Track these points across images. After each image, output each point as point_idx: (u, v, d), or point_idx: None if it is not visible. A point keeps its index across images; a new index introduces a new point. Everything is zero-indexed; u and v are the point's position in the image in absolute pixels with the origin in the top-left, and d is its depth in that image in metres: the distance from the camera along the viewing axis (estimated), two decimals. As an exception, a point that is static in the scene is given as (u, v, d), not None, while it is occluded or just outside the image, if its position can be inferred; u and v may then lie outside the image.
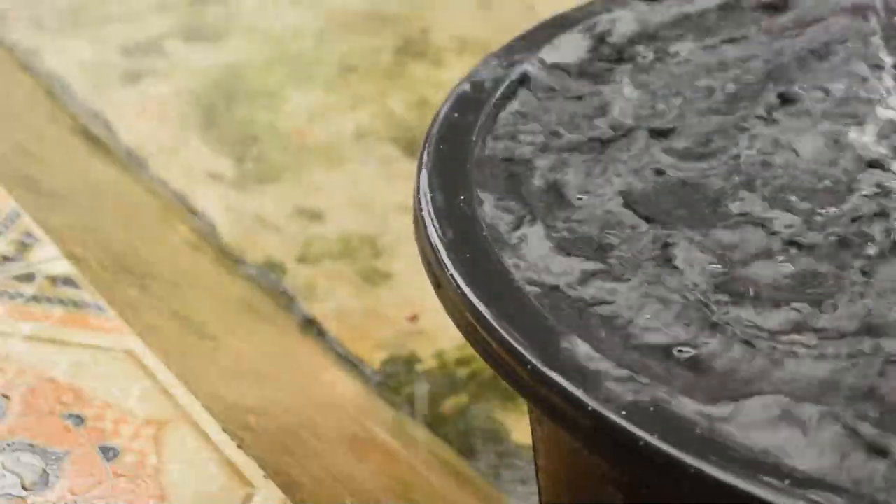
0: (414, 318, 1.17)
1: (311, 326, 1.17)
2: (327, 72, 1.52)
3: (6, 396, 0.86)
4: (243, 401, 0.92)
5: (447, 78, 1.37)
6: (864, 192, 0.64)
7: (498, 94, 0.73)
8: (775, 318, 0.56)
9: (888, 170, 0.65)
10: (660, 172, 0.66)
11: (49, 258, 0.99)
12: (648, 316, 0.57)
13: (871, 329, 0.56)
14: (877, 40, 0.76)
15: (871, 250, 0.60)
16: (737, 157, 0.67)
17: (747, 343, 0.55)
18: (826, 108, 0.71)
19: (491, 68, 0.75)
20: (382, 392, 1.10)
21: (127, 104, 1.47)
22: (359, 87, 1.49)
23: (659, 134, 0.70)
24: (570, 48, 0.77)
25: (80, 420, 0.84)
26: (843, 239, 0.61)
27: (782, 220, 0.62)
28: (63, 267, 0.98)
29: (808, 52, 0.76)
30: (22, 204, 1.06)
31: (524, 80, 0.74)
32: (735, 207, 0.63)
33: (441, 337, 1.13)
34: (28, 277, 0.97)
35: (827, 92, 0.72)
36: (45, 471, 0.80)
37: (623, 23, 0.79)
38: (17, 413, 0.85)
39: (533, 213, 0.64)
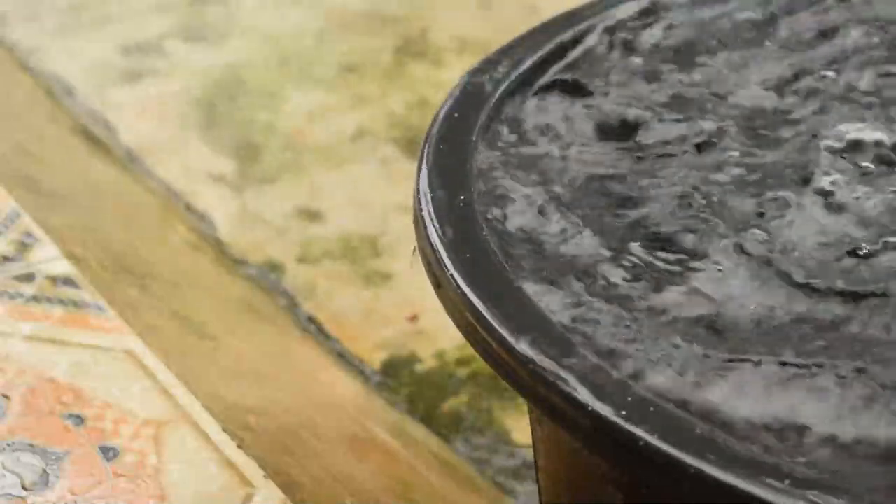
0: (414, 318, 1.17)
1: (311, 326, 1.17)
2: (327, 72, 1.52)
3: (6, 396, 0.86)
4: (243, 401, 0.92)
5: (447, 78, 1.37)
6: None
7: (498, 94, 0.73)
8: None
9: None
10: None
11: (49, 258, 0.99)
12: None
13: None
14: None
15: None
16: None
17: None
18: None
19: (491, 68, 0.75)
20: (382, 392, 1.10)
21: (127, 104, 1.47)
22: (359, 87, 1.49)
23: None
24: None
25: (80, 420, 0.84)
26: None
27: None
28: (63, 267, 0.98)
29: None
30: (22, 204, 1.06)
31: (525, 80, 0.74)
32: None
33: (441, 337, 1.13)
34: (28, 277, 0.97)
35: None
36: (45, 471, 0.80)
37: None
38: (17, 413, 0.85)
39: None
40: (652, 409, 0.52)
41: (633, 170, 0.67)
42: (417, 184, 0.66)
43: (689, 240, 0.61)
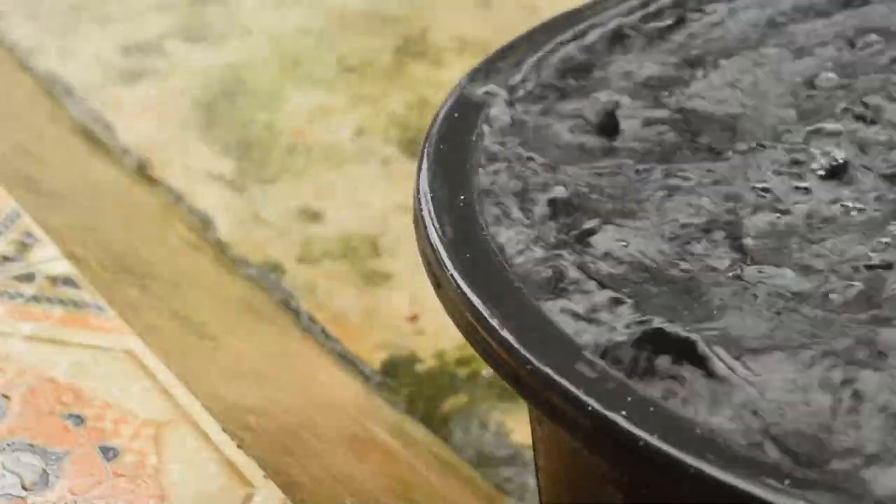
0: (414, 318, 1.17)
1: (311, 326, 1.17)
2: (327, 72, 1.52)
3: (6, 396, 0.86)
4: (243, 401, 0.92)
5: (447, 78, 1.37)
6: None
7: (499, 93, 0.72)
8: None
9: None
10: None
11: (49, 258, 0.99)
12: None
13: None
14: None
15: None
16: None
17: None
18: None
19: (491, 68, 0.75)
20: (382, 392, 1.10)
21: (127, 104, 1.47)
22: (359, 87, 1.49)
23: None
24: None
25: (80, 420, 0.84)
26: None
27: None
28: (63, 267, 0.98)
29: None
30: (22, 204, 1.06)
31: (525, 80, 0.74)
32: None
33: (441, 337, 1.13)
34: (28, 277, 0.97)
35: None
36: (45, 471, 0.81)
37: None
38: (17, 413, 0.85)
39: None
40: (652, 409, 0.52)
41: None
42: (417, 184, 0.66)
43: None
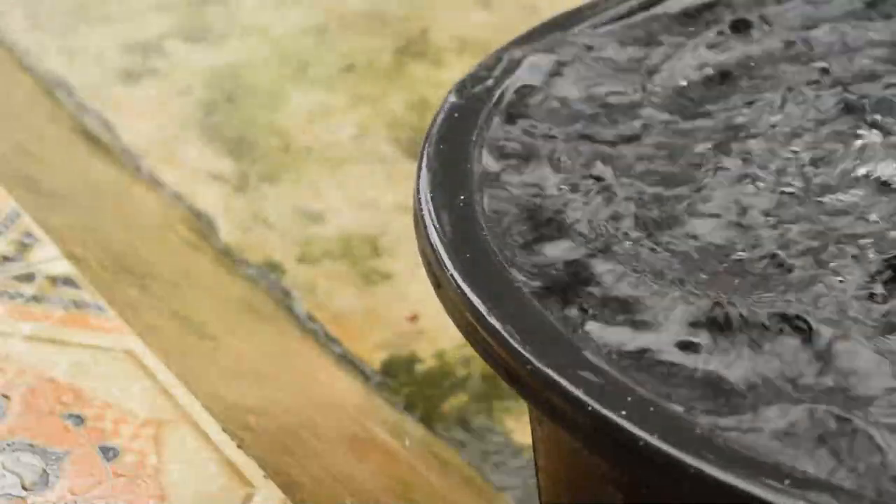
0: (414, 318, 1.17)
1: (311, 326, 1.17)
2: (327, 72, 1.52)
3: (6, 396, 0.86)
4: (243, 401, 0.92)
5: (447, 78, 1.37)
6: None
7: (498, 93, 0.72)
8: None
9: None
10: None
11: (49, 258, 0.99)
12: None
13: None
14: None
15: None
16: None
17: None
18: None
19: (492, 68, 0.75)
20: (382, 392, 1.10)
21: (127, 104, 1.47)
22: (359, 87, 1.49)
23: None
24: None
25: (80, 420, 0.84)
26: None
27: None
28: (63, 267, 0.98)
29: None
30: (22, 204, 1.06)
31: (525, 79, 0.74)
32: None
33: (441, 337, 1.13)
34: (28, 277, 0.97)
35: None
36: (45, 471, 0.81)
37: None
38: (17, 413, 0.85)
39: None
40: (652, 409, 0.52)
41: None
42: (417, 184, 0.66)
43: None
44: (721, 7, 0.79)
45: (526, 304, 0.58)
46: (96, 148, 1.38)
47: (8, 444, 0.82)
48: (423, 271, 0.63)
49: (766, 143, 0.67)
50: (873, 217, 0.62)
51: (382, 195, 1.32)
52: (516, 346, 0.56)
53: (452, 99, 0.72)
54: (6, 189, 1.08)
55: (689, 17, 0.79)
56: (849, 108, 0.69)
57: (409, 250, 0.68)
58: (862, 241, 0.60)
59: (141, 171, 1.36)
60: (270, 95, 1.48)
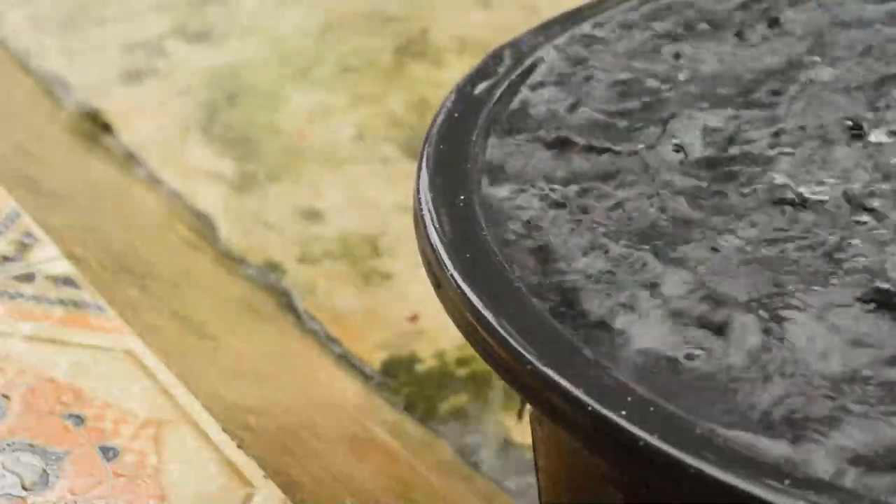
0: (414, 318, 1.17)
1: (311, 326, 1.17)
2: (327, 72, 1.52)
3: (6, 396, 0.86)
4: (243, 401, 0.92)
5: (447, 78, 1.37)
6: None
7: (498, 93, 0.73)
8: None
9: None
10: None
11: (49, 258, 0.99)
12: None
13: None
14: None
15: None
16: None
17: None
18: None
19: (492, 68, 0.75)
20: (382, 392, 1.10)
21: (127, 104, 1.47)
22: (359, 87, 1.49)
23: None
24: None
25: (80, 420, 0.84)
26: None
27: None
28: (63, 267, 0.98)
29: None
30: (22, 204, 1.06)
31: (525, 79, 0.74)
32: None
33: (441, 337, 1.13)
34: (28, 277, 0.97)
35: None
36: (45, 471, 0.81)
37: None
38: (17, 413, 0.85)
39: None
40: (652, 409, 0.52)
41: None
42: (417, 184, 0.66)
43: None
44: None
45: (526, 304, 0.58)
46: (96, 148, 1.38)
47: (8, 444, 0.82)
48: (423, 271, 0.63)
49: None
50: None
51: (382, 195, 1.32)
52: (516, 346, 0.56)
53: (453, 99, 0.72)
54: (6, 189, 1.08)
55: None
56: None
57: (409, 250, 0.68)
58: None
59: (141, 171, 1.36)
60: (271, 95, 1.48)
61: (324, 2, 1.64)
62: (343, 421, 1.01)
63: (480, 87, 0.73)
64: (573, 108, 0.72)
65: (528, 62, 0.75)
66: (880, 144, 0.67)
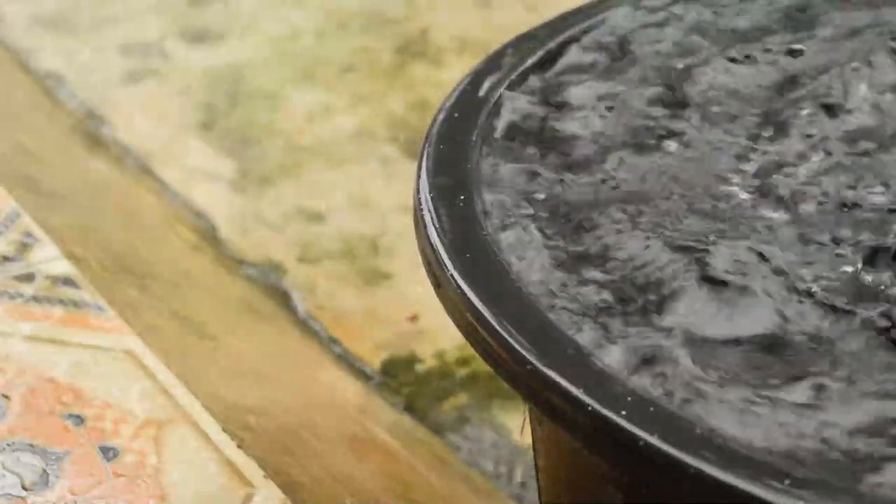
0: (414, 318, 1.17)
1: (311, 326, 1.17)
2: (327, 72, 1.52)
3: (6, 396, 0.86)
4: (243, 401, 0.92)
5: (447, 78, 1.37)
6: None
7: (499, 93, 0.72)
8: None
9: None
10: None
11: (49, 258, 0.99)
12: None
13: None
14: None
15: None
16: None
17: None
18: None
19: (492, 68, 0.75)
20: (382, 392, 1.10)
21: (127, 104, 1.47)
22: (359, 87, 1.49)
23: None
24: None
25: (80, 420, 0.84)
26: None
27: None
28: (63, 267, 0.98)
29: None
30: (22, 204, 1.06)
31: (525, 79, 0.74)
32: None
33: (441, 337, 1.13)
34: (28, 277, 0.97)
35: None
36: (45, 471, 0.81)
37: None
38: (17, 413, 0.85)
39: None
40: (652, 409, 0.52)
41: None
42: (417, 184, 0.66)
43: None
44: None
45: (526, 304, 0.58)
46: (96, 148, 1.38)
47: (8, 444, 0.82)
48: (423, 271, 0.63)
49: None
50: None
51: (382, 195, 1.32)
52: (516, 346, 0.56)
53: (453, 99, 0.72)
54: (6, 189, 1.08)
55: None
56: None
57: (409, 250, 0.68)
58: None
59: (141, 171, 1.36)
60: (271, 95, 1.48)
61: (324, 2, 1.64)
62: (343, 421, 1.01)
63: (481, 88, 0.73)
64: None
65: (529, 61, 0.75)
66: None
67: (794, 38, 0.77)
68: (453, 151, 0.68)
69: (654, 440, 0.50)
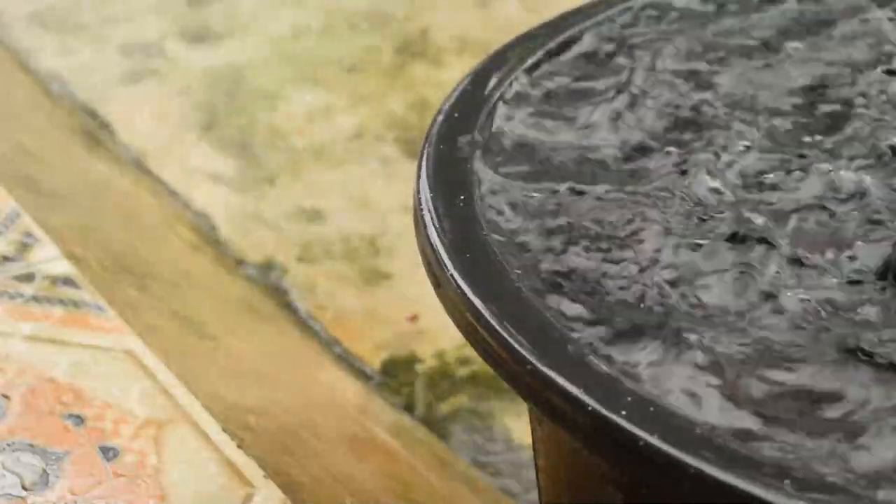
0: (414, 318, 1.17)
1: (311, 326, 1.17)
2: (327, 72, 1.52)
3: (6, 396, 0.86)
4: (243, 401, 0.92)
5: (447, 78, 1.37)
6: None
7: (499, 93, 0.73)
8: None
9: None
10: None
11: (49, 258, 0.99)
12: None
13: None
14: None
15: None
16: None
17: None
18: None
19: (492, 68, 0.75)
20: (382, 392, 1.10)
21: (127, 104, 1.47)
22: (359, 87, 1.49)
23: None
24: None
25: (80, 420, 0.84)
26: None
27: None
28: (63, 267, 0.98)
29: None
30: (22, 204, 1.06)
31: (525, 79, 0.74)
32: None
33: (441, 337, 1.13)
34: (28, 277, 0.97)
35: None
36: (45, 471, 0.81)
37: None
38: (17, 413, 0.85)
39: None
40: (652, 409, 0.52)
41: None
42: (417, 184, 0.66)
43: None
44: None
45: (526, 304, 0.58)
46: (96, 148, 1.38)
47: (8, 444, 0.82)
48: (423, 271, 0.63)
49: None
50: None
51: (382, 195, 1.32)
52: (516, 346, 0.55)
53: (453, 99, 0.72)
54: (6, 189, 1.08)
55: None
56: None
57: (409, 250, 0.68)
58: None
59: (141, 171, 1.36)
60: (270, 95, 1.48)
61: (324, 2, 1.64)
62: (343, 421, 1.01)
63: (481, 88, 0.73)
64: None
65: (529, 61, 0.75)
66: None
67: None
68: (453, 151, 0.68)
69: (654, 440, 0.50)
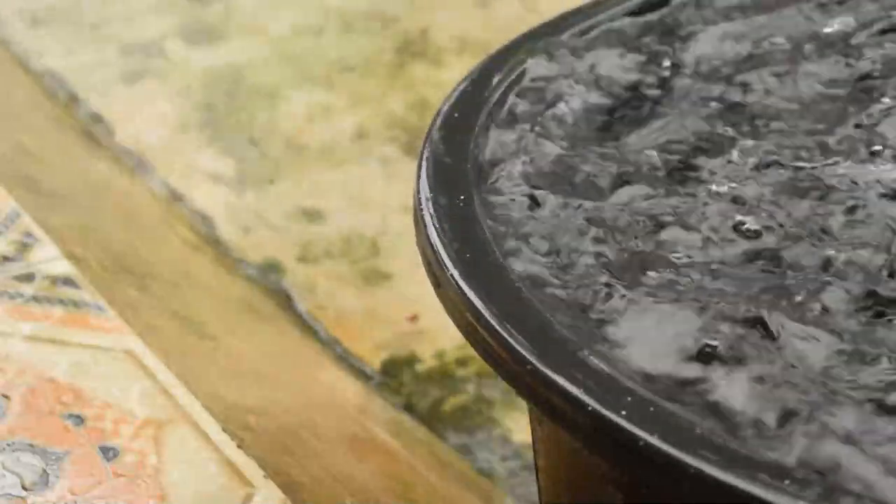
0: (414, 318, 1.17)
1: (311, 326, 1.17)
2: (327, 72, 1.52)
3: (6, 396, 0.86)
4: (243, 401, 0.92)
5: (447, 78, 1.37)
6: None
7: (499, 93, 0.73)
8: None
9: None
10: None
11: (49, 258, 0.99)
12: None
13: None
14: None
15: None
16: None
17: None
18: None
19: (492, 68, 0.75)
20: (382, 392, 1.10)
21: (127, 104, 1.47)
22: (359, 87, 1.49)
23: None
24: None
25: (80, 420, 0.84)
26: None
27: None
28: (63, 267, 0.98)
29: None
30: (22, 204, 1.06)
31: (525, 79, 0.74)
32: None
33: (441, 337, 1.13)
34: (28, 277, 0.97)
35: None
36: (45, 471, 0.81)
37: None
38: (17, 413, 0.85)
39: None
40: (652, 409, 0.52)
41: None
42: (417, 184, 0.66)
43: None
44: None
45: (526, 303, 0.58)
46: (96, 148, 1.38)
47: (8, 444, 0.82)
48: (423, 271, 0.63)
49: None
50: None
51: (382, 195, 1.32)
52: (516, 346, 0.55)
53: (453, 99, 0.72)
54: (6, 189, 1.08)
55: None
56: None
57: (409, 250, 0.68)
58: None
59: (141, 171, 1.36)
60: (270, 95, 1.48)
61: (324, 2, 1.64)
62: (343, 421, 1.01)
63: (481, 88, 0.73)
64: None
65: (530, 61, 0.75)
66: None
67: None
68: (453, 151, 0.68)
69: (654, 440, 0.50)
